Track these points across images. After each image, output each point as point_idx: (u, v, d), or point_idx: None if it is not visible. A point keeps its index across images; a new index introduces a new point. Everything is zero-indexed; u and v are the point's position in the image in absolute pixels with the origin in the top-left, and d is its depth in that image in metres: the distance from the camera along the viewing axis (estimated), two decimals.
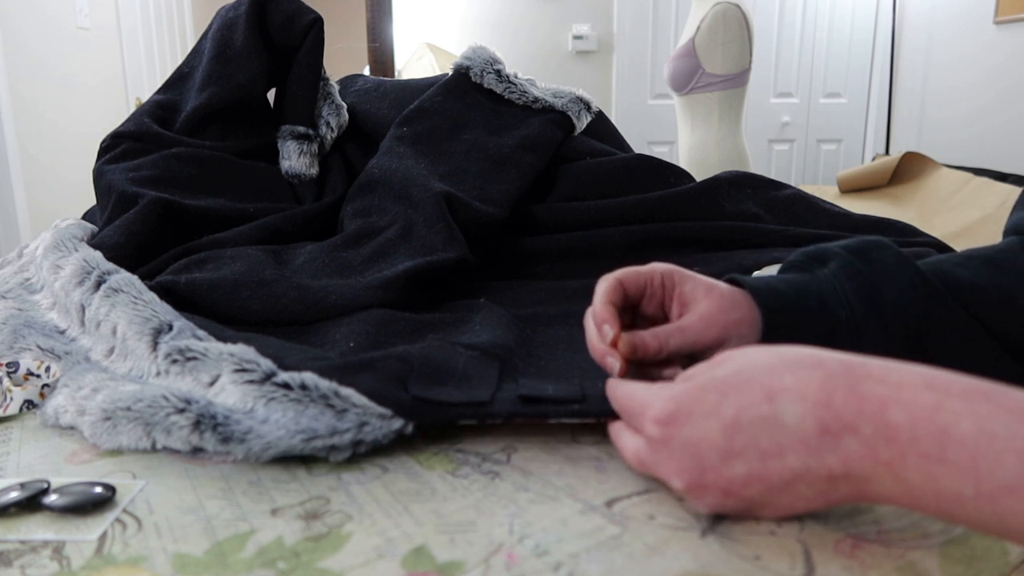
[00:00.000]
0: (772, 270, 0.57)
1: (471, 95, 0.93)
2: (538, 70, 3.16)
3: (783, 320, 0.45)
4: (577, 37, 3.29)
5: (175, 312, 0.57)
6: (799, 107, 3.51)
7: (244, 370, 0.46)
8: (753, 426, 0.34)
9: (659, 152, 3.31)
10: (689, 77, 2.00)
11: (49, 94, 2.70)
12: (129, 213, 0.75)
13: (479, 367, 0.51)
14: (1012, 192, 2.02)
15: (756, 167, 2.20)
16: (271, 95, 1.00)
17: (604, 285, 0.47)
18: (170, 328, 0.54)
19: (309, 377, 0.45)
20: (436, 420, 0.45)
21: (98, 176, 0.84)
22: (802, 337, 0.43)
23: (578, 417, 0.44)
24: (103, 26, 3.06)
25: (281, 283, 0.65)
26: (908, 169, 2.53)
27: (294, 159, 0.93)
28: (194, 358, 0.49)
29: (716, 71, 1.97)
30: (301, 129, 0.95)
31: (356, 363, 0.48)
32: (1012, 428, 0.29)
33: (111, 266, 0.65)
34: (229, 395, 0.46)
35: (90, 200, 0.99)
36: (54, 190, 2.71)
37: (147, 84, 3.21)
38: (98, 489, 0.40)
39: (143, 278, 0.63)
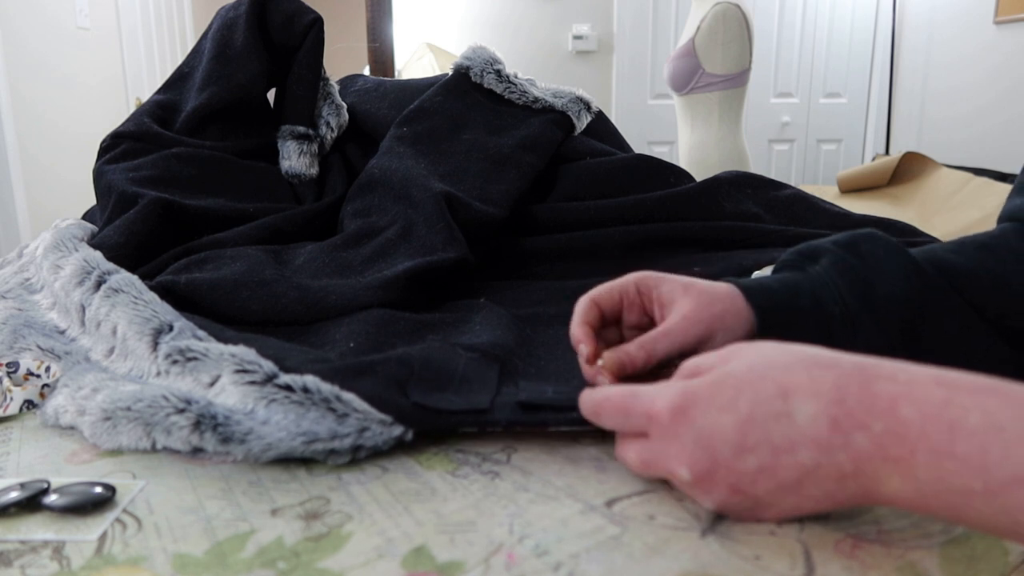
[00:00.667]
0: (772, 270, 0.57)
1: (471, 95, 0.93)
2: (538, 70, 3.16)
3: (777, 319, 0.45)
4: (577, 37, 3.29)
5: (175, 312, 0.57)
6: (799, 107, 3.51)
7: (245, 371, 0.46)
8: (767, 422, 0.34)
9: (659, 152, 3.31)
10: (689, 77, 2.00)
11: (49, 94, 2.70)
12: (129, 213, 0.75)
13: (479, 369, 0.51)
14: None
15: (756, 167, 2.20)
16: (271, 95, 1.00)
17: (578, 307, 0.47)
18: (170, 328, 0.54)
19: (311, 380, 0.45)
20: (436, 427, 0.45)
21: (98, 176, 0.84)
22: (797, 335, 0.44)
23: (577, 425, 0.44)
24: (103, 26, 3.06)
25: (281, 283, 0.65)
26: (908, 169, 2.52)
27: (294, 159, 0.93)
28: (194, 358, 0.49)
29: (716, 71, 1.97)
30: (301, 129, 0.95)
31: (357, 366, 0.47)
32: (1021, 420, 0.29)
33: (111, 266, 0.65)
34: (229, 396, 0.46)
35: (90, 200, 0.99)
36: (54, 190, 2.71)
37: (147, 84, 3.21)
38: (98, 489, 0.40)
39: (143, 278, 0.63)
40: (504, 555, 0.34)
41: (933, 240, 0.76)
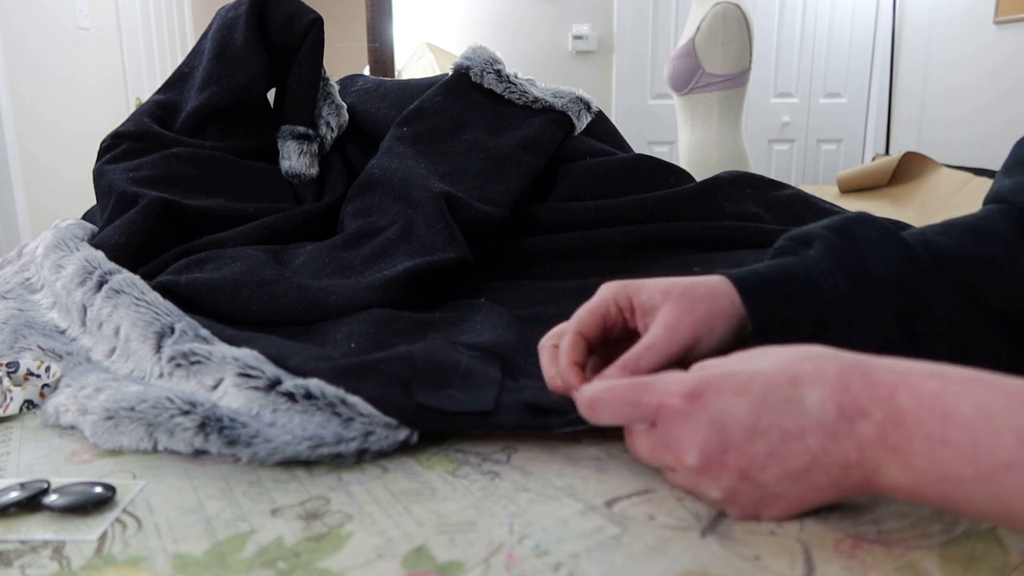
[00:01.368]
0: (767, 257, 0.56)
1: (471, 95, 0.93)
2: (538, 70, 3.16)
3: (770, 305, 0.44)
4: (577, 37, 3.29)
5: (178, 311, 0.57)
6: (799, 107, 3.51)
7: (248, 376, 0.46)
8: (778, 406, 0.34)
9: (659, 152, 3.31)
10: (689, 77, 2.00)
11: (49, 94, 2.70)
12: (129, 213, 0.75)
13: (481, 366, 0.51)
14: None
15: (756, 167, 2.20)
16: (271, 95, 1.00)
17: (564, 345, 0.45)
18: (172, 331, 0.54)
19: (315, 384, 0.45)
20: (441, 428, 0.46)
21: (98, 176, 0.84)
22: (791, 319, 0.44)
23: (581, 425, 0.43)
24: (103, 26, 3.06)
25: (281, 283, 0.65)
26: (908, 169, 2.53)
27: (294, 159, 0.93)
28: (198, 362, 0.49)
29: (716, 71, 1.97)
30: (301, 129, 0.95)
31: (360, 365, 0.47)
32: (1009, 408, 0.30)
33: (113, 266, 0.65)
34: (233, 399, 0.46)
35: (90, 200, 0.99)
36: (54, 190, 2.71)
37: (147, 84, 3.21)
38: (98, 489, 0.40)
39: (144, 278, 0.63)
40: (504, 555, 0.34)
41: None
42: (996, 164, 2.54)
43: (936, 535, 0.35)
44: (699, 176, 0.89)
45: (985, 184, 2.13)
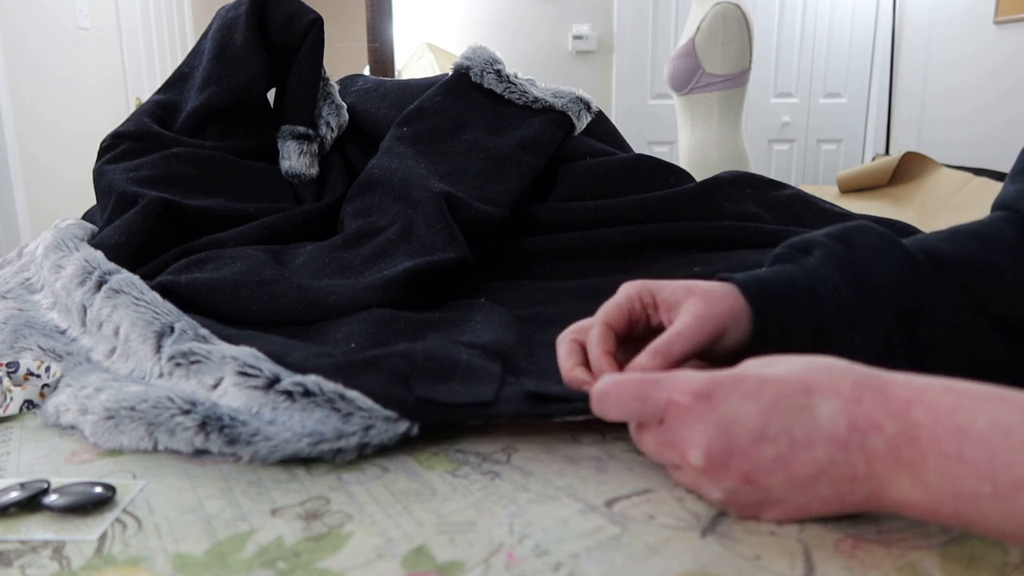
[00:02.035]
0: (766, 264, 0.57)
1: (471, 95, 0.93)
2: (538, 70, 3.16)
3: (773, 312, 0.45)
4: (577, 37, 3.29)
5: (178, 311, 0.57)
6: (799, 107, 3.51)
7: (247, 374, 0.46)
8: (789, 414, 0.34)
9: (659, 152, 3.31)
10: (689, 77, 2.00)
11: (49, 94, 2.70)
12: (129, 213, 0.75)
13: (482, 362, 0.51)
14: None
15: (756, 167, 2.20)
16: (271, 95, 1.00)
17: (593, 336, 0.46)
18: (172, 330, 0.54)
19: (313, 380, 0.45)
20: (442, 420, 0.45)
21: (98, 176, 0.84)
22: (793, 326, 0.44)
23: (584, 414, 0.43)
24: (103, 26, 3.06)
25: (281, 283, 0.65)
26: (908, 169, 2.52)
27: (294, 159, 0.93)
28: (198, 361, 0.49)
29: (716, 71, 1.97)
30: (301, 129, 0.95)
31: (360, 361, 0.48)
32: None
33: (112, 266, 0.65)
34: (233, 398, 0.46)
35: (90, 200, 0.99)
36: (54, 190, 2.71)
37: (147, 84, 3.21)
38: (98, 489, 0.40)
39: (144, 278, 0.63)
40: (504, 555, 0.34)
41: None
42: (996, 164, 2.54)
43: (936, 535, 0.35)
44: (699, 176, 0.89)
45: (985, 184, 2.13)
